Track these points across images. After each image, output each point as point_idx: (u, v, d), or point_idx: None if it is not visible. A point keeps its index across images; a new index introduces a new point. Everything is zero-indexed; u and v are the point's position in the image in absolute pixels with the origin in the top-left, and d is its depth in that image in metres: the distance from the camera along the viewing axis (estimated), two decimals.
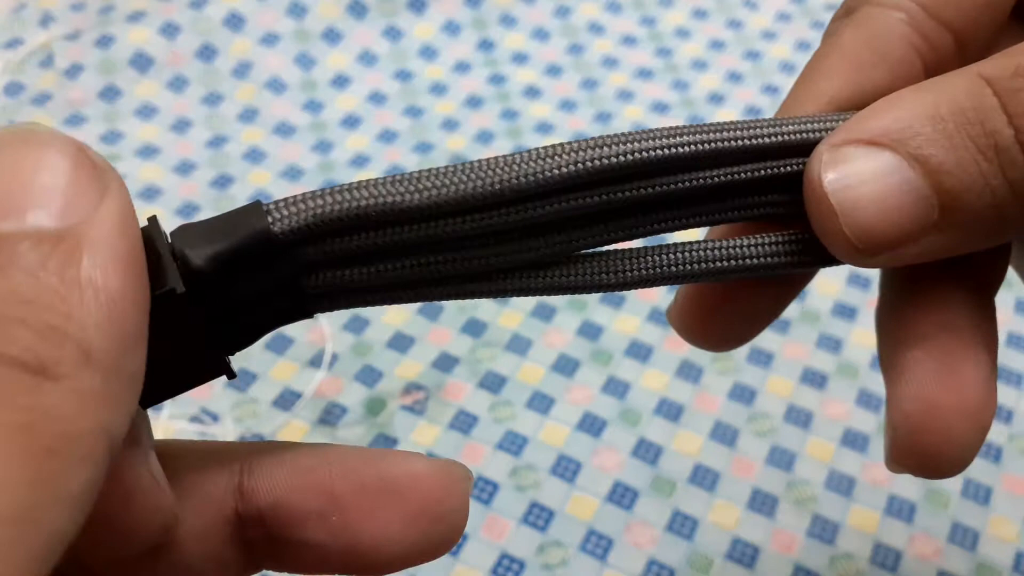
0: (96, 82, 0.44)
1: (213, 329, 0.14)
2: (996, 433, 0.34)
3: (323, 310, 0.14)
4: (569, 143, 0.15)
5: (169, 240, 0.13)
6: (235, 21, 0.47)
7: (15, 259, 0.11)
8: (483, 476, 0.32)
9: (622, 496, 0.32)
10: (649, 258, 0.17)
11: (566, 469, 0.32)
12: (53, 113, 0.43)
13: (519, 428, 0.33)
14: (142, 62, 0.45)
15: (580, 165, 0.15)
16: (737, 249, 0.17)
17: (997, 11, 0.19)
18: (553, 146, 0.15)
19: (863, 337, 0.37)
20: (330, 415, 0.34)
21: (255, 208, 0.13)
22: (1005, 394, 0.35)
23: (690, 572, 0.30)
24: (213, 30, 0.47)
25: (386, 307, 0.37)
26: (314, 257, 0.14)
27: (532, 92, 0.47)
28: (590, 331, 0.37)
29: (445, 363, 0.35)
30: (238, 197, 0.41)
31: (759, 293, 0.20)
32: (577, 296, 0.38)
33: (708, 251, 0.17)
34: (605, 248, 0.17)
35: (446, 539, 0.16)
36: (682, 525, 0.31)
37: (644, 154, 0.15)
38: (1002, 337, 0.37)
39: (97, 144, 0.43)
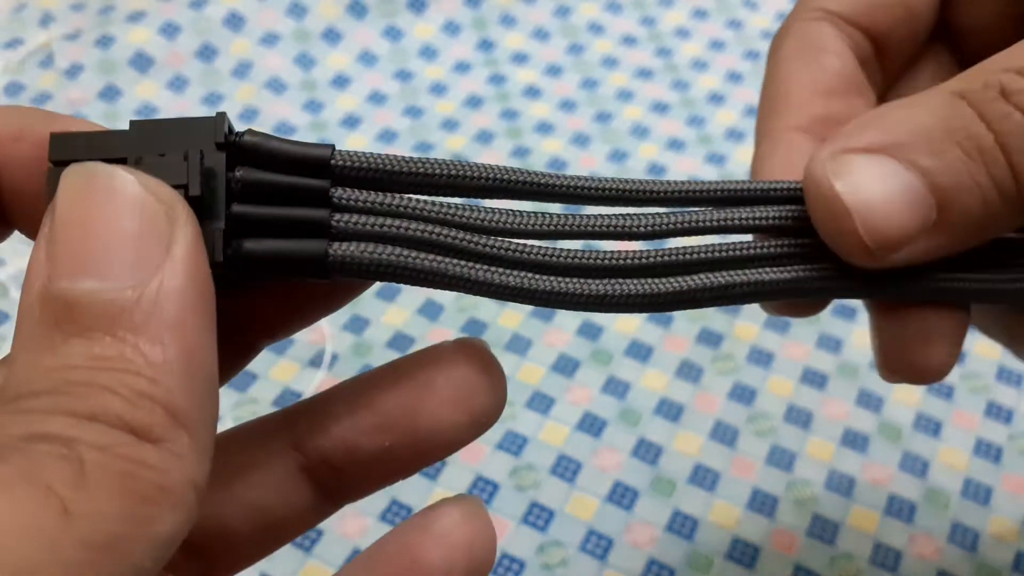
0: (96, 82, 0.44)
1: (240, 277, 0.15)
2: (996, 433, 0.34)
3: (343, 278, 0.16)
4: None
5: (238, 178, 0.15)
6: (235, 21, 0.47)
7: (97, 321, 0.12)
8: (483, 476, 0.32)
9: (622, 496, 0.32)
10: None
11: (566, 469, 0.32)
12: None
13: (519, 428, 0.33)
14: (142, 62, 0.45)
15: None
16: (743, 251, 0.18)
17: (914, 24, 0.22)
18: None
19: (863, 337, 0.37)
20: None
21: (320, 243, 0.15)
22: (1005, 394, 0.35)
23: (690, 572, 0.30)
24: (213, 30, 0.47)
25: (386, 307, 0.37)
26: (356, 273, 0.16)
27: (532, 92, 0.47)
28: (590, 331, 0.37)
29: None
30: None
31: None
32: None
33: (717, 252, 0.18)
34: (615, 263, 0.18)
35: (495, 403, 0.17)
36: (682, 525, 0.31)
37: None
38: None
39: None
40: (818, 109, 0.21)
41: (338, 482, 0.17)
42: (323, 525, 0.30)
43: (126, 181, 0.13)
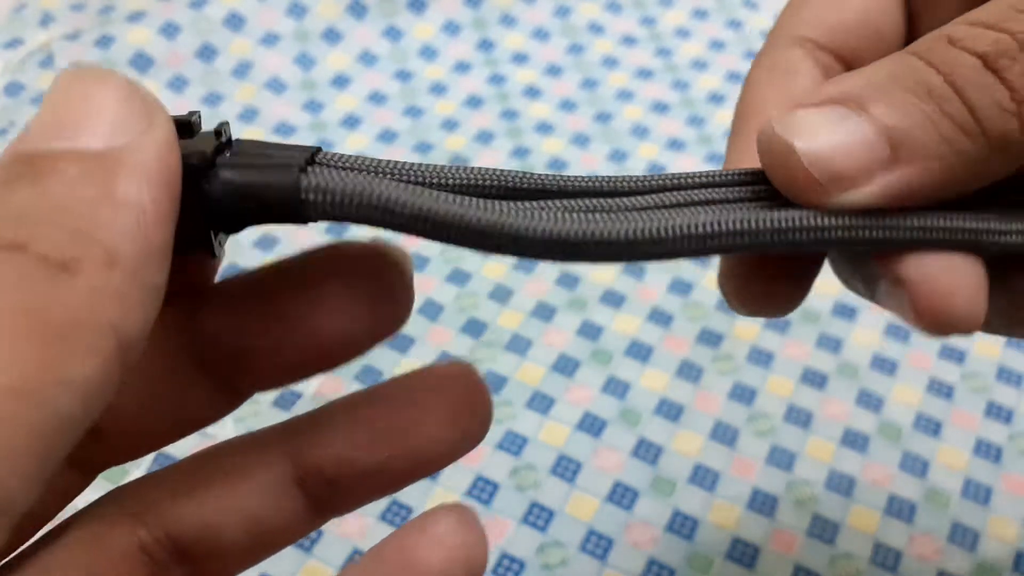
0: None
1: (212, 212, 0.15)
2: (996, 433, 0.34)
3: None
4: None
5: (227, 137, 0.15)
6: (235, 21, 0.47)
7: (56, 172, 0.12)
8: (483, 476, 0.32)
9: (622, 496, 0.32)
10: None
11: (566, 469, 0.32)
12: None
13: (519, 428, 0.33)
14: (142, 62, 0.45)
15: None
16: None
17: (882, 45, 0.22)
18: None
19: (863, 337, 0.37)
20: None
21: (292, 176, 0.14)
22: (1005, 394, 0.35)
23: (690, 572, 0.30)
24: (213, 30, 0.47)
25: None
26: (329, 216, 0.15)
27: (532, 92, 0.47)
28: (590, 331, 0.37)
29: None
30: None
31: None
32: (577, 296, 0.38)
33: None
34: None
35: (482, 425, 0.18)
36: (682, 525, 0.31)
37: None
38: (1002, 337, 0.37)
39: None
40: None
41: (331, 494, 0.17)
42: (323, 525, 0.31)
43: (114, 74, 0.13)
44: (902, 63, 0.17)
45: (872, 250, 0.18)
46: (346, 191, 0.14)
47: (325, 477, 0.17)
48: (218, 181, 0.14)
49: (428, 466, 0.17)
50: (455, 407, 0.17)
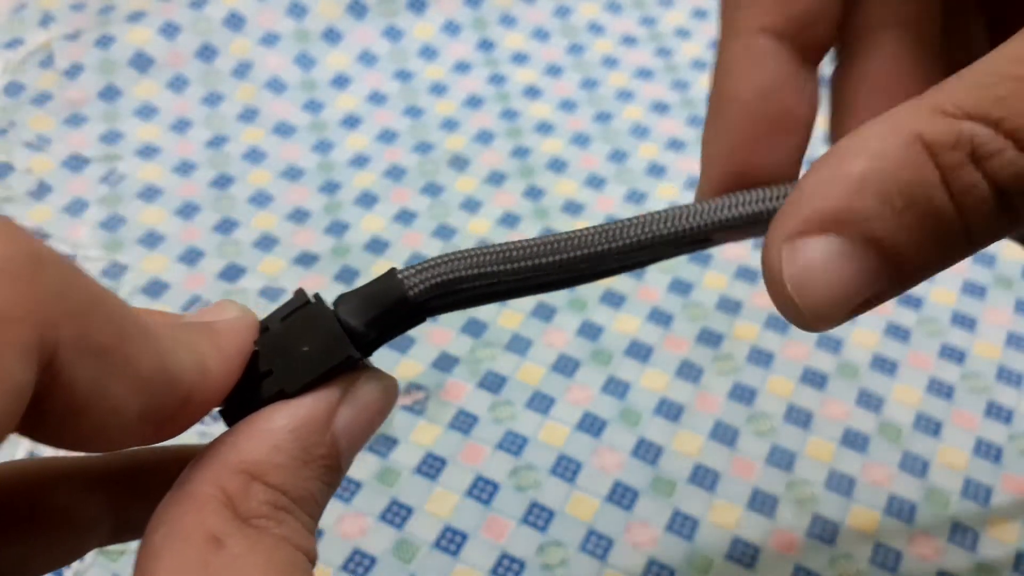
0: (96, 82, 0.44)
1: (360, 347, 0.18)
2: (996, 433, 0.34)
3: (434, 315, 0.19)
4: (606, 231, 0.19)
5: (334, 309, 0.18)
6: (235, 21, 0.47)
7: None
8: (483, 476, 0.32)
9: (622, 496, 0.32)
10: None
11: (566, 469, 0.32)
12: (53, 113, 0.43)
13: (519, 428, 0.33)
14: (142, 62, 0.45)
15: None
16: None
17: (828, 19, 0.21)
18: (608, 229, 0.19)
19: (863, 337, 0.37)
20: None
21: (392, 278, 0.18)
22: (1005, 394, 0.35)
23: (690, 572, 0.30)
24: (213, 30, 0.47)
25: None
26: (436, 302, 0.19)
27: (532, 92, 0.47)
28: (590, 331, 0.37)
29: (445, 363, 0.35)
30: (238, 197, 0.41)
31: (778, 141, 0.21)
32: (577, 296, 0.38)
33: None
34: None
35: None
36: (682, 525, 0.31)
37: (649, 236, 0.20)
38: (1002, 337, 0.37)
39: (97, 144, 0.43)
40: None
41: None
42: (323, 525, 0.30)
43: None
44: (916, 167, 0.16)
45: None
46: (435, 267, 0.18)
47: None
48: (353, 326, 0.17)
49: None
50: None
